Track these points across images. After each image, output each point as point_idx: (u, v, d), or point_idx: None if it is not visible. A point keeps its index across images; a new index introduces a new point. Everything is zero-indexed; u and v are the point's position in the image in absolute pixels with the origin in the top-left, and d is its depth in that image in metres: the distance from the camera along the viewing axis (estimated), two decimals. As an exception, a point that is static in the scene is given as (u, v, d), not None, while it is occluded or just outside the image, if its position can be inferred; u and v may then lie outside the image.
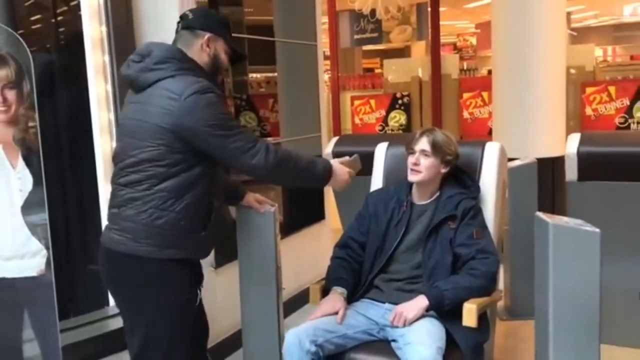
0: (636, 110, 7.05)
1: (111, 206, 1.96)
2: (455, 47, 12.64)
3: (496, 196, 2.41)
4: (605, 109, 7.26)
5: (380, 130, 8.44)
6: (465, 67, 9.82)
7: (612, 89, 7.19)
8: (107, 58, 2.71)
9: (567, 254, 1.77)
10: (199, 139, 1.85)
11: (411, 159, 2.29)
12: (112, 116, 2.76)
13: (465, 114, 7.93)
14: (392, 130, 8.37)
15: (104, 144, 2.77)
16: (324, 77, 4.30)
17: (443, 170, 2.29)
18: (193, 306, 1.99)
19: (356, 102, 8.62)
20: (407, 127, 8.29)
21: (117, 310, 2.30)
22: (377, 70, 11.77)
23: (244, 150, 1.89)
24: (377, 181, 2.61)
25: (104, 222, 2.03)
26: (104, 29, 2.70)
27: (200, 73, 1.94)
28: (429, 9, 8.40)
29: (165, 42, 2.00)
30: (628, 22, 13.11)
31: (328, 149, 3.12)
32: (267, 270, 2.28)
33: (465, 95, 7.90)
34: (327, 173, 2.09)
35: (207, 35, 1.99)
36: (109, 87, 2.73)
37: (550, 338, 1.77)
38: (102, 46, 2.71)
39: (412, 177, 2.29)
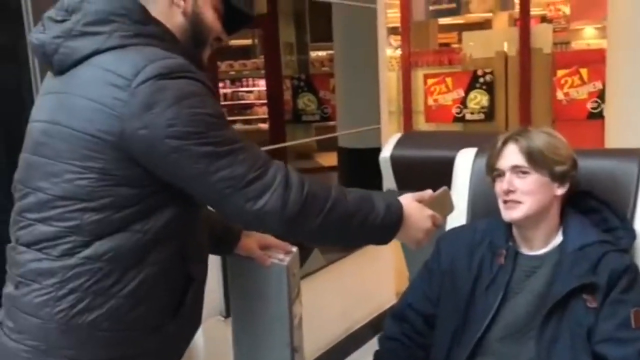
0: None
1: (8, 279, 1.13)
2: (544, 19, 11.20)
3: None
4: None
5: (458, 114, 7.45)
6: (556, 41, 8.55)
7: None
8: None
9: None
10: (160, 159, 1.02)
11: (500, 186, 1.40)
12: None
13: (560, 95, 6.84)
14: (471, 113, 7.34)
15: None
16: (386, 53, 3.44)
17: (559, 192, 1.38)
18: None
19: (430, 81, 7.69)
20: (490, 110, 7.27)
21: None
22: (454, 46, 10.63)
23: (242, 184, 1.04)
24: (456, 214, 1.68)
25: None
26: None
27: (169, 43, 1.10)
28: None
29: None
30: None
31: (385, 152, 2.13)
32: (274, 344, 1.43)
33: (560, 73, 6.82)
34: (395, 220, 1.19)
35: None
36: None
37: None
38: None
39: (508, 215, 1.40)
